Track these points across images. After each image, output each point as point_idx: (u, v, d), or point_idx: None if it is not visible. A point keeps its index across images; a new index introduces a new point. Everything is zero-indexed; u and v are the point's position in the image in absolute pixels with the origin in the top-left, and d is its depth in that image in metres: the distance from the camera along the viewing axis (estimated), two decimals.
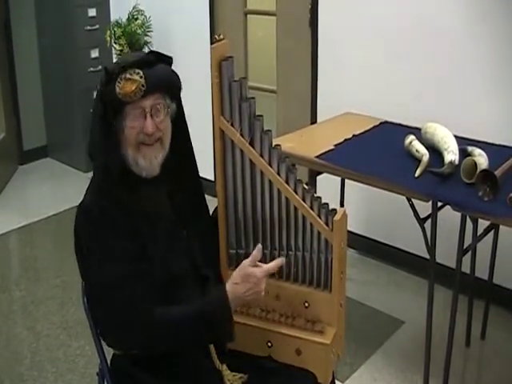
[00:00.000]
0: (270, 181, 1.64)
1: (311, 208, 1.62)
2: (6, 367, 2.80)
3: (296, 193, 1.63)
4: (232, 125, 1.62)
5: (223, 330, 1.61)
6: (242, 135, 1.62)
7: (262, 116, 1.62)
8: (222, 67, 1.59)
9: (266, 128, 1.64)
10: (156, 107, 1.63)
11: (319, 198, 1.64)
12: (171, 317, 1.60)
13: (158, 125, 1.64)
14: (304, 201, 1.62)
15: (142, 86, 1.58)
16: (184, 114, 1.76)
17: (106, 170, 1.63)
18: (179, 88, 1.72)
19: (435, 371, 2.56)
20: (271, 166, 1.63)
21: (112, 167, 1.62)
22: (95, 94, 1.69)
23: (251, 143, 1.63)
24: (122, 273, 1.58)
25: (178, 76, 1.71)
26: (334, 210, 1.65)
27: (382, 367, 2.76)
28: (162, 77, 1.64)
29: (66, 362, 2.82)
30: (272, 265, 1.63)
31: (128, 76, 1.57)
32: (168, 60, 1.70)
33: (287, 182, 1.63)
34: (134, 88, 1.57)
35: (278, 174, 1.63)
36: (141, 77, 1.58)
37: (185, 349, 1.68)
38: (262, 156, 1.63)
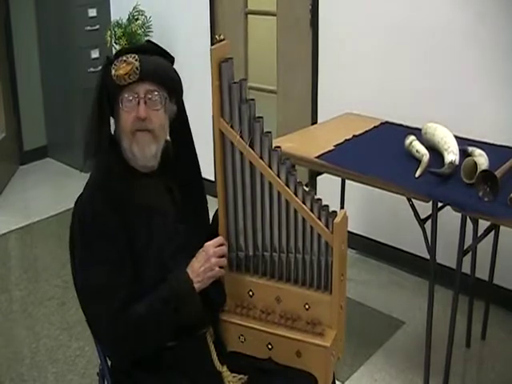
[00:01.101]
0: (269, 183, 1.64)
1: (311, 210, 1.62)
2: (6, 367, 2.80)
3: (296, 195, 1.63)
4: (232, 127, 1.62)
5: (192, 307, 1.63)
6: (241, 137, 1.62)
7: (261, 118, 1.62)
8: (221, 69, 1.59)
9: (266, 129, 1.63)
10: (150, 95, 1.64)
11: (319, 200, 1.64)
12: (140, 313, 1.59)
13: (152, 116, 1.64)
14: (304, 203, 1.62)
15: (137, 68, 1.61)
16: (187, 120, 1.77)
17: (104, 167, 1.66)
18: (180, 90, 1.73)
19: (435, 372, 2.56)
20: (271, 168, 1.63)
21: (107, 160, 1.65)
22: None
23: (251, 145, 1.62)
24: (105, 280, 1.59)
25: (179, 78, 1.73)
26: (335, 213, 1.64)
27: (381, 368, 2.76)
28: (157, 65, 1.67)
29: (66, 363, 2.82)
30: (218, 237, 1.70)
31: (124, 58, 1.62)
32: (170, 58, 1.72)
33: (287, 184, 1.63)
34: (128, 69, 1.60)
35: (278, 176, 1.63)
36: (136, 60, 1.62)
37: (170, 336, 1.68)
38: (261, 158, 1.63)
